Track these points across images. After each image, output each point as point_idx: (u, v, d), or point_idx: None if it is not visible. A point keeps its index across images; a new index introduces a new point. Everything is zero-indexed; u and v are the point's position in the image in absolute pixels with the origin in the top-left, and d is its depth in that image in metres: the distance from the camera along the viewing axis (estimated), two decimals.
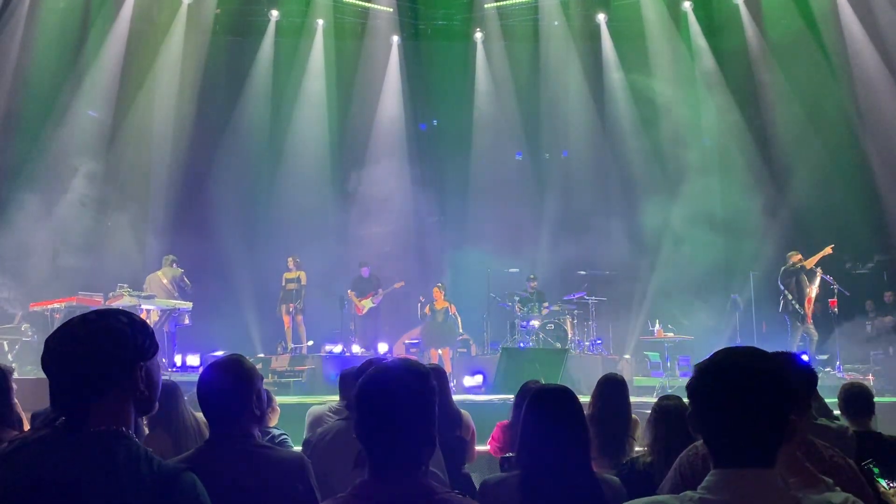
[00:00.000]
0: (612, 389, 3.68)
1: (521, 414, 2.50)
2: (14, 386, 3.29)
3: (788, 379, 1.44)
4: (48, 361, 1.53)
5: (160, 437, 3.56)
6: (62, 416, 1.52)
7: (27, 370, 8.78)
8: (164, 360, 9.91)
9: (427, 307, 11.61)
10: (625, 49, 13.96)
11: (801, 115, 12.66)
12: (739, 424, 1.40)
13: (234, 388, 2.20)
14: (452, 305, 11.58)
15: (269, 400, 4.04)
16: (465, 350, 12.00)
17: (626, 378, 3.95)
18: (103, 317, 1.56)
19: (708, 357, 1.50)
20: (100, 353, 1.51)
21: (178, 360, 10.10)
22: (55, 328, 1.57)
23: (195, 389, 2.32)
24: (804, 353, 9.89)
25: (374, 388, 1.62)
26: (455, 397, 4.87)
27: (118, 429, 1.51)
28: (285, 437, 4.06)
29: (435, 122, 14.99)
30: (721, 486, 1.39)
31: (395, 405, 1.59)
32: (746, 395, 1.40)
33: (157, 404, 1.63)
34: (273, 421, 4.26)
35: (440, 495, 1.59)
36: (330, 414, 4.04)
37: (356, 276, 12.40)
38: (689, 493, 1.43)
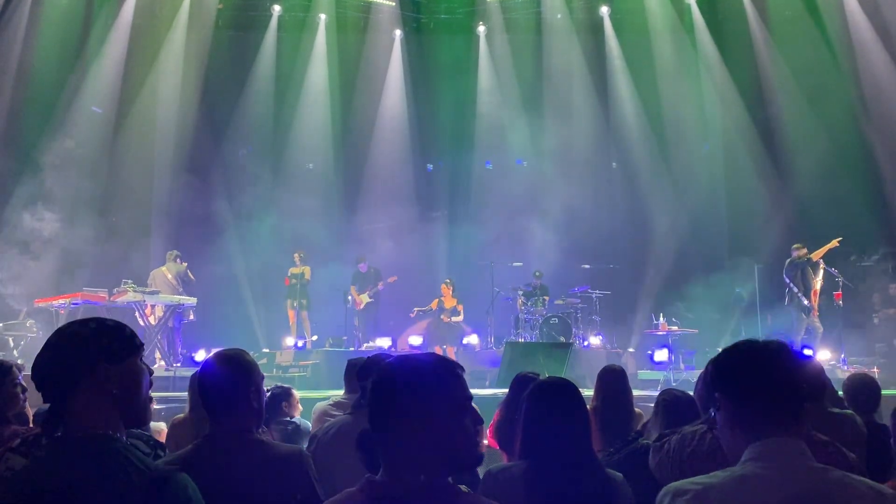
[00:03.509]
0: (612, 379, 3.68)
1: (517, 404, 2.49)
2: (20, 380, 3.30)
3: (798, 362, 1.67)
4: None
5: (185, 423, 3.61)
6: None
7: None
8: (160, 357, 9.95)
9: (435, 302, 11.62)
10: (628, 42, 13.90)
11: (805, 107, 12.59)
12: (769, 400, 1.60)
13: (233, 381, 2.19)
14: (461, 305, 11.58)
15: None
16: (468, 344, 11.99)
17: (630, 372, 3.94)
18: (74, 324, 1.64)
19: (725, 350, 1.69)
20: (59, 354, 1.60)
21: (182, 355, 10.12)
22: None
23: None
24: (809, 346, 9.86)
25: (395, 378, 1.48)
26: None
27: (103, 432, 1.54)
28: (296, 423, 4.17)
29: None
30: (763, 452, 1.56)
31: (419, 398, 1.45)
32: (772, 374, 1.61)
33: (145, 414, 1.64)
34: (296, 412, 4.34)
35: (457, 494, 1.49)
36: (332, 408, 4.04)
37: (355, 271, 12.42)
38: (731, 468, 1.59)
